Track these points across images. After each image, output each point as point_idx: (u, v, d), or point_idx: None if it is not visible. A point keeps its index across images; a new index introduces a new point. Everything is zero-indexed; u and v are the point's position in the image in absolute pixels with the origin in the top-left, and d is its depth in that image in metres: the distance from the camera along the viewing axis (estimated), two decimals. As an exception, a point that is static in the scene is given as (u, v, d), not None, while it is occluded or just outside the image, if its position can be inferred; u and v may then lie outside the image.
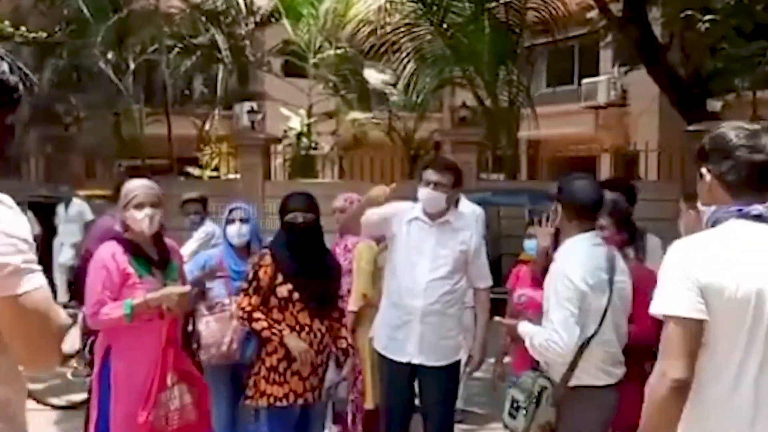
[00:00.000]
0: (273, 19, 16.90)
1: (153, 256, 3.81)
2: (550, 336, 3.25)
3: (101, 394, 3.77)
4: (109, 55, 15.18)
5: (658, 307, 2.21)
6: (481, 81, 13.42)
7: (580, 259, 3.33)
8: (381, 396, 4.51)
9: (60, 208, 10.94)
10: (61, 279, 10.35)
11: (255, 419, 4.16)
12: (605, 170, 18.09)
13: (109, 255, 3.69)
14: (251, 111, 15.23)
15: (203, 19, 16.26)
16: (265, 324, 4.01)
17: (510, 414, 3.49)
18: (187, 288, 3.81)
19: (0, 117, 1.84)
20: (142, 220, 3.74)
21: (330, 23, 16.13)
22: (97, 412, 3.79)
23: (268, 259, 4.08)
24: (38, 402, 6.17)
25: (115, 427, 3.70)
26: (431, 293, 4.17)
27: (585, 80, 22.02)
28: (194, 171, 18.04)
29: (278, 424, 4.05)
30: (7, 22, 5.91)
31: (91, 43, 14.67)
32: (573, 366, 3.31)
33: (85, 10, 15.18)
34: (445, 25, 13.16)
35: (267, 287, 4.03)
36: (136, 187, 3.83)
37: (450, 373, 4.25)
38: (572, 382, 3.35)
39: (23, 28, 6.67)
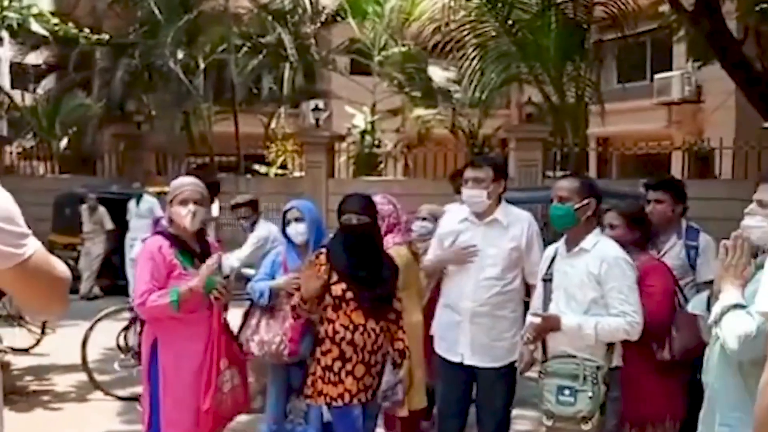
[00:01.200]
0: (339, 18, 17.01)
1: (196, 249, 3.95)
2: (633, 318, 3.49)
3: (152, 384, 3.89)
4: (180, 55, 15.53)
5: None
6: (548, 77, 13.21)
7: (621, 249, 3.64)
8: (437, 395, 4.48)
9: (131, 204, 11.22)
10: (131, 273, 10.63)
11: (305, 419, 4.24)
12: (677, 168, 17.60)
13: (156, 248, 3.84)
14: (316, 109, 15.38)
15: (270, 18, 16.48)
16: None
17: (561, 402, 3.50)
18: (215, 258, 3.89)
19: None
20: (185, 216, 3.88)
21: (395, 21, 16.15)
22: (149, 403, 3.91)
23: (323, 258, 4.11)
24: (105, 393, 6.35)
25: (166, 416, 3.82)
26: (480, 295, 4.13)
27: (657, 76, 21.48)
28: (261, 168, 18.29)
29: (341, 424, 4.08)
30: (71, 24, 6.09)
31: (163, 43, 15.04)
32: (612, 348, 3.56)
33: (157, 12, 15.56)
34: (510, 22, 13.00)
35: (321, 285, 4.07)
36: (183, 184, 3.96)
37: (505, 374, 4.16)
38: (611, 364, 3.57)
39: (86, 29, 6.86)
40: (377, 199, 4.81)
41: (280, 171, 18.60)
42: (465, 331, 4.16)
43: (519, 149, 12.97)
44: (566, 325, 3.58)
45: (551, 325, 3.64)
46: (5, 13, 5.08)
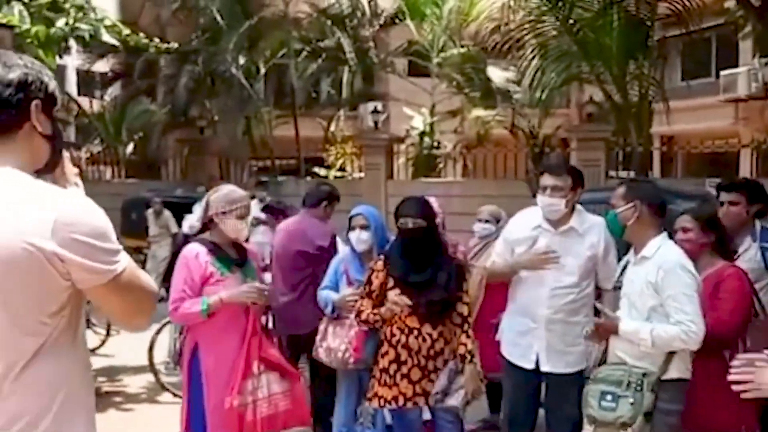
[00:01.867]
0: (397, 20, 17.05)
1: (233, 255, 4.04)
2: (689, 327, 3.37)
3: (191, 387, 3.99)
4: (241, 61, 15.79)
5: None
6: (610, 76, 12.97)
7: (683, 254, 3.54)
8: (504, 402, 4.46)
9: (196, 208, 11.45)
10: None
11: (373, 422, 4.30)
12: (745, 166, 17.13)
13: (193, 255, 3.94)
14: (375, 111, 15.45)
15: (329, 22, 16.62)
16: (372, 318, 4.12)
17: (604, 407, 3.47)
18: (256, 284, 3.98)
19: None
20: (241, 230, 4.02)
21: (453, 22, 16.09)
22: (187, 405, 4.01)
23: (380, 264, 4.15)
24: (174, 395, 6.49)
25: (211, 419, 3.91)
26: (555, 302, 4.10)
27: (723, 72, 20.96)
28: (320, 171, 18.46)
29: (397, 427, 4.13)
30: (142, 35, 6.27)
31: (224, 49, 15.32)
32: (670, 358, 3.45)
33: (219, 19, 15.85)
34: (571, 21, 12.80)
35: (378, 291, 4.10)
36: (242, 198, 4.05)
37: (578, 379, 4.08)
38: (668, 374, 3.46)
39: (151, 38, 7.04)
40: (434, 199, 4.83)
41: (339, 173, 18.74)
42: (540, 338, 4.13)
43: (580, 149, 12.79)
44: (623, 330, 3.54)
45: (610, 327, 3.60)
46: (77, 24, 5.26)
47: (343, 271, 4.59)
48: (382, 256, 4.21)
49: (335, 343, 4.43)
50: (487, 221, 5.43)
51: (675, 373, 3.47)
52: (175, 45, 6.79)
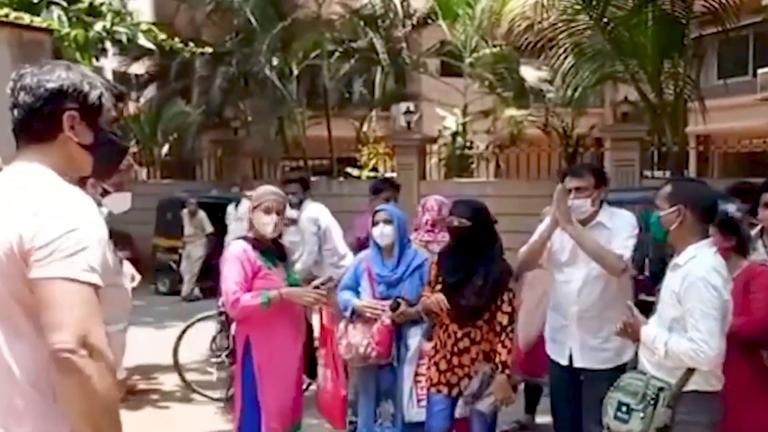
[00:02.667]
0: (429, 21, 17.03)
1: (275, 250, 4.28)
2: (698, 347, 3.20)
3: (245, 382, 4.14)
4: (275, 62, 15.88)
5: None
6: (644, 75, 12.83)
7: (717, 267, 3.29)
8: (551, 398, 4.60)
9: (230, 208, 11.57)
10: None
11: (392, 422, 4.46)
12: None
13: (241, 250, 4.13)
14: (407, 112, 15.45)
15: (362, 23, 16.64)
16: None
17: (618, 418, 3.41)
18: (322, 292, 4.22)
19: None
20: (267, 224, 4.18)
21: (486, 22, 16.01)
22: (242, 400, 4.15)
23: (435, 259, 4.43)
24: (200, 395, 6.59)
25: (266, 409, 4.08)
26: (585, 298, 4.14)
27: (761, 70, 20.63)
28: (353, 171, 18.51)
29: (428, 412, 4.34)
30: (177, 39, 6.37)
31: (258, 50, 15.42)
32: (692, 370, 3.29)
33: (253, 20, 15.97)
34: (605, 19, 12.69)
35: (433, 284, 4.36)
36: (267, 193, 4.27)
37: (613, 376, 4.02)
38: (688, 387, 3.31)
39: (186, 40, 7.13)
40: (436, 198, 5.12)
41: (372, 173, 18.78)
42: (572, 335, 4.22)
43: (615, 149, 12.68)
44: (644, 333, 3.45)
45: (636, 328, 3.52)
46: (115, 28, 5.37)
47: (364, 269, 4.71)
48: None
49: (356, 339, 4.53)
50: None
51: (693, 385, 3.33)
52: (209, 48, 6.88)
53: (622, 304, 4.03)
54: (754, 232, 4.55)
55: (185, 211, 12.54)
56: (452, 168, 16.17)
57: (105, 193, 3.75)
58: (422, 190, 13.35)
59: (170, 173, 18.27)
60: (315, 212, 6.60)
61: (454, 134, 17.24)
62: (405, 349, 4.52)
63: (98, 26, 5.20)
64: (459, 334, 4.19)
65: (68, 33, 5.03)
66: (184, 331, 6.79)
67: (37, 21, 4.31)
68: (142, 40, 5.72)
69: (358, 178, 18.00)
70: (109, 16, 5.44)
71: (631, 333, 3.56)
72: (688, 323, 3.27)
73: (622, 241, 4.09)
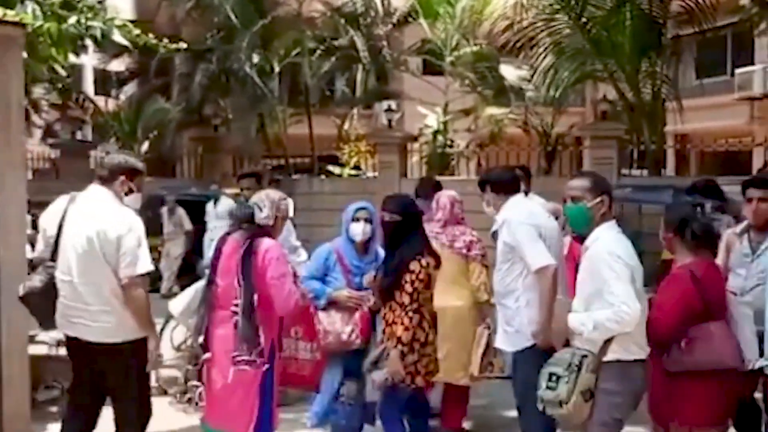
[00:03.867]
0: (410, 19, 17.06)
1: None
2: (618, 308, 3.48)
3: (265, 387, 4.14)
4: (255, 59, 15.84)
5: None
6: (623, 74, 12.97)
7: (618, 240, 3.69)
8: None
9: (210, 206, 11.52)
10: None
11: (355, 401, 4.76)
12: (758, 165, 17.04)
13: (282, 249, 4.29)
14: (389, 110, 15.46)
15: (343, 21, 16.64)
16: None
17: (548, 387, 3.62)
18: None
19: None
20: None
21: (467, 21, 16.09)
22: (260, 406, 4.15)
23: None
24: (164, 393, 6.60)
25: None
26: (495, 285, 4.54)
27: (738, 70, 20.86)
28: (335, 169, 18.51)
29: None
30: (151, 33, 6.34)
31: (239, 48, 15.38)
32: (610, 339, 3.57)
33: (233, 17, 15.93)
34: (584, 19, 12.81)
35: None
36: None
37: (518, 359, 4.39)
38: (610, 356, 3.59)
39: (165, 37, 7.10)
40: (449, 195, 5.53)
41: (353, 171, 18.79)
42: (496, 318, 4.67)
43: (593, 147, 12.76)
44: (570, 323, 3.73)
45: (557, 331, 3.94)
46: (90, 23, 5.34)
47: (336, 260, 4.87)
48: None
49: (335, 326, 4.73)
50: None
51: (612, 354, 3.58)
52: (184, 45, 6.84)
53: (517, 293, 4.32)
54: (740, 228, 4.65)
55: (164, 208, 12.49)
56: (433, 166, 16.21)
57: (129, 192, 4.25)
58: (404, 188, 13.37)
59: (150, 171, 18.03)
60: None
61: (435, 132, 17.28)
62: (374, 332, 4.78)
63: (72, 20, 5.18)
64: (383, 317, 4.57)
65: (41, 26, 5.01)
66: (162, 328, 6.77)
67: (10, 15, 4.29)
68: (117, 36, 5.69)
69: (340, 176, 18.00)
70: (84, 11, 5.42)
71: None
72: (605, 293, 3.54)
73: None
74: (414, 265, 4.41)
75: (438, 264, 4.61)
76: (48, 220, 4.20)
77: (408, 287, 4.40)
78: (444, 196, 5.52)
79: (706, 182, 5.97)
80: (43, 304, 4.10)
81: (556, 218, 5.51)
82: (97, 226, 3.98)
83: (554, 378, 3.59)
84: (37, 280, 4.09)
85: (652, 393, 3.86)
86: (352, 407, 4.76)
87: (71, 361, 4.35)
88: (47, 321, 4.24)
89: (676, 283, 3.89)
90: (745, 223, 4.65)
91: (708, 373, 3.73)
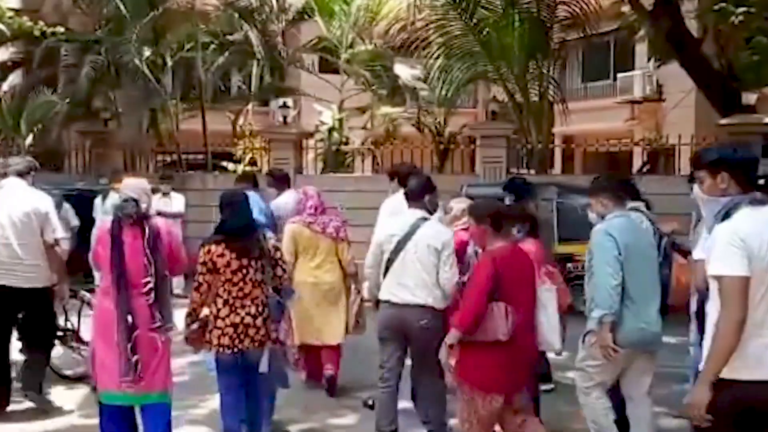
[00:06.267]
0: (306, 16, 17.05)
1: None
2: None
3: None
4: (147, 53, 15.43)
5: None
6: (512, 76, 13.39)
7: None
8: None
9: (98, 201, 11.21)
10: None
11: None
12: (638, 164, 17.98)
13: None
14: (283, 106, 15.40)
15: (238, 16, 16.45)
16: None
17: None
18: None
19: None
20: None
21: (362, 20, 16.24)
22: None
23: None
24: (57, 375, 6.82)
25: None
26: None
27: (620, 74, 21.87)
28: (229, 165, 18.26)
29: None
30: (36, 22, 6.19)
31: (129, 40, 14.95)
32: None
33: (123, 9, 15.47)
34: (475, 21, 13.16)
35: None
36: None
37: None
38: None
39: (51, 27, 6.88)
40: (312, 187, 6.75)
41: (248, 168, 18.58)
42: None
43: (483, 146, 13.10)
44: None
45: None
46: (-31, 10, 5.14)
47: None
48: None
49: None
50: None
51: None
52: (61, 28, 6.68)
53: None
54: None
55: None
56: (329, 163, 16.27)
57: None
58: (298, 185, 13.39)
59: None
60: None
61: (331, 130, 17.34)
62: None
63: (-54, 6, 4.97)
64: None
65: None
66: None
67: None
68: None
69: (234, 172, 17.76)
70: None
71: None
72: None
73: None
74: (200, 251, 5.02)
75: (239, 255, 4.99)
76: None
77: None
78: (309, 189, 6.63)
79: (510, 180, 7.14)
80: None
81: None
82: (31, 204, 5.86)
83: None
84: None
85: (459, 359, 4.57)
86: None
87: None
88: None
89: (478, 267, 4.63)
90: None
91: (485, 344, 4.38)
